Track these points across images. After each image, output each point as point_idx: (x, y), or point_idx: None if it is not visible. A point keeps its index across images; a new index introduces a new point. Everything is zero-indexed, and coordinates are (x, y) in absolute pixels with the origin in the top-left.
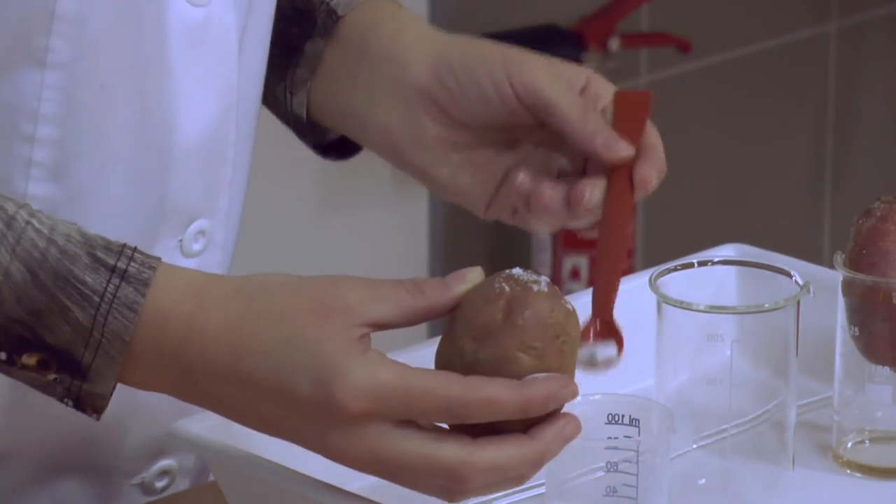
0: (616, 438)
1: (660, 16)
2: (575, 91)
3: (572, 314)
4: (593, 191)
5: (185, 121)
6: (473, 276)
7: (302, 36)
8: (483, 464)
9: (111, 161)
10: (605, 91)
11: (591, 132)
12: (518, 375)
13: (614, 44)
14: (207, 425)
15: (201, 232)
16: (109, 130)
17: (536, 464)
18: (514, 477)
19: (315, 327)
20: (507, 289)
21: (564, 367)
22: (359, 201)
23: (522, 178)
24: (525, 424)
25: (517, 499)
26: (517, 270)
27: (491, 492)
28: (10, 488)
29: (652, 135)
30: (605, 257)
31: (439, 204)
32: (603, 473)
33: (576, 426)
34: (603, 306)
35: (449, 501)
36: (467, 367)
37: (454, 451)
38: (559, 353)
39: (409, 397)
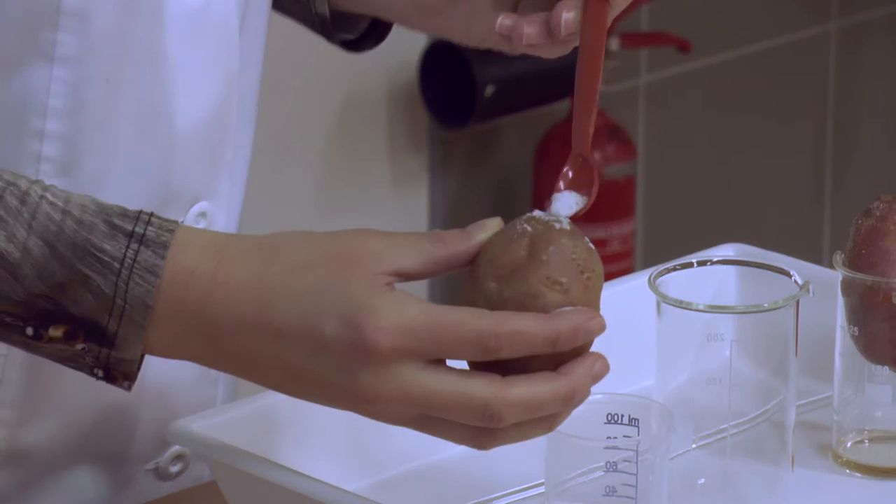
0: (615, 438)
1: (659, 16)
2: None
3: (594, 252)
4: (569, 12)
5: (186, 107)
6: (494, 224)
7: None
8: (515, 398)
9: (116, 152)
10: None
11: None
12: (545, 311)
13: (614, 44)
14: (206, 423)
15: (202, 214)
16: (114, 123)
17: (567, 401)
18: (546, 417)
19: (341, 272)
20: (528, 229)
21: (591, 303)
22: (358, 200)
23: (501, 20)
24: (553, 364)
25: (517, 498)
26: (537, 212)
27: (523, 436)
28: (26, 481)
29: None
30: (583, 80)
31: (438, 203)
32: (602, 473)
33: (604, 364)
34: (583, 139)
35: (480, 448)
36: (493, 307)
37: (486, 387)
38: (584, 288)
39: (439, 331)
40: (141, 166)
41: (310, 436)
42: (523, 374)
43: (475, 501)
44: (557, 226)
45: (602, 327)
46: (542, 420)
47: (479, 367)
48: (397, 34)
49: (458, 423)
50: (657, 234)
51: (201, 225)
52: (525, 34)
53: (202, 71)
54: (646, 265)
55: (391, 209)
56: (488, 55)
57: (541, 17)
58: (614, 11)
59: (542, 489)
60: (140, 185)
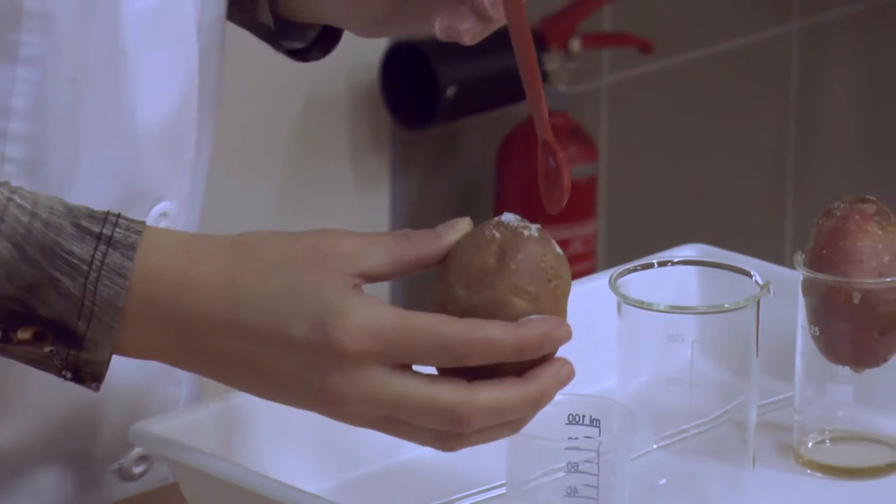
0: (577, 439)
1: (621, 16)
2: None
3: (563, 258)
4: None
5: (148, 106)
6: (463, 225)
7: None
8: (482, 403)
9: (80, 152)
10: None
11: None
12: (513, 319)
13: (576, 44)
14: (168, 425)
15: (164, 214)
16: (78, 123)
17: (535, 405)
18: (512, 421)
19: (311, 273)
20: (497, 235)
21: (558, 311)
22: (319, 202)
23: (439, 25)
24: (520, 369)
25: (479, 499)
26: (507, 216)
27: (489, 438)
28: None
29: None
30: (527, 74)
31: (400, 204)
32: (564, 474)
33: (570, 369)
34: (544, 125)
35: (446, 450)
36: (462, 313)
37: (453, 392)
38: (553, 296)
39: (408, 337)
40: (105, 166)
41: (273, 437)
42: (490, 380)
43: (437, 502)
44: (526, 233)
45: (569, 335)
46: (507, 423)
47: (445, 371)
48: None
49: (424, 426)
50: (619, 235)
51: (162, 225)
52: (463, 30)
53: (163, 69)
54: (607, 266)
55: (353, 211)
56: (450, 56)
57: (465, 9)
58: None
59: (503, 490)
60: (104, 185)
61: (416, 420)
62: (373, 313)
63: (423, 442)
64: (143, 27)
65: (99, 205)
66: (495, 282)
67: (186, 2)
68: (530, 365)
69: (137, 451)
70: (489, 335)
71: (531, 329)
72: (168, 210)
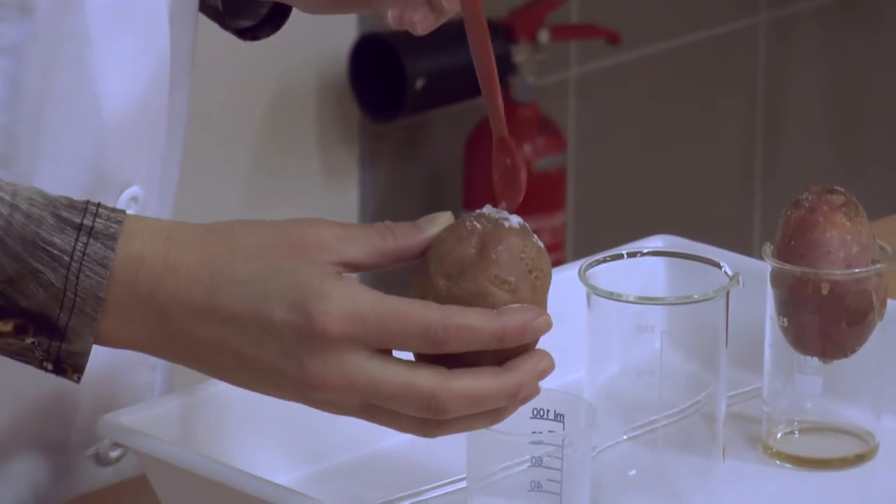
0: (541, 433)
1: (589, 8)
2: None
3: (543, 251)
4: None
5: (117, 93)
6: (444, 219)
7: None
8: (460, 390)
9: (49, 141)
10: None
11: None
12: (493, 308)
13: (544, 36)
14: (136, 417)
15: (134, 199)
16: (47, 112)
17: (512, 396)
18: (491, 410)
19: (291, 259)
20: (478, 226)
21: (538, 302)
22: (288, 194)
23: (391, 15)
24: (500, 361)
25: (441, 493)
26: (488, 209)
27: (469, 427)
28: None
29: None
30: (482, 68)
31: (369, 196)
32: (527, 467)
33: (550, 361)
34: (500, 121)
35: (425, 436)
36: (442, 303)
37: (431, 378)
38: (532, 287)
39: (388, 320)
40: (73, 153)
41: (243, 428)
42: (469, 368)
43: (400, 495)
44: (507, 224)
45: (549, 325)
46: (487, 413)
47: (426, 360)
48: (328, 27)
49: (403, 413)
50: (587, 226)
51: (132, 210)
52: (416, 20)
53: (132, 56)
54: (576, 257)
55: (321, 202)
56: (419, 48)
57: (423, 5)
58: None
59: (463, 483)
60: (73, 175)
61: (394, 405)
62: (352, 296)
63: (403, 428)
64: (113, 14)
65: (66, 192)
66: (475, 272)
67: None
68: (511, 356)
69: None
70: (469, 321)
71: (511, 317)
72: (137, 195)
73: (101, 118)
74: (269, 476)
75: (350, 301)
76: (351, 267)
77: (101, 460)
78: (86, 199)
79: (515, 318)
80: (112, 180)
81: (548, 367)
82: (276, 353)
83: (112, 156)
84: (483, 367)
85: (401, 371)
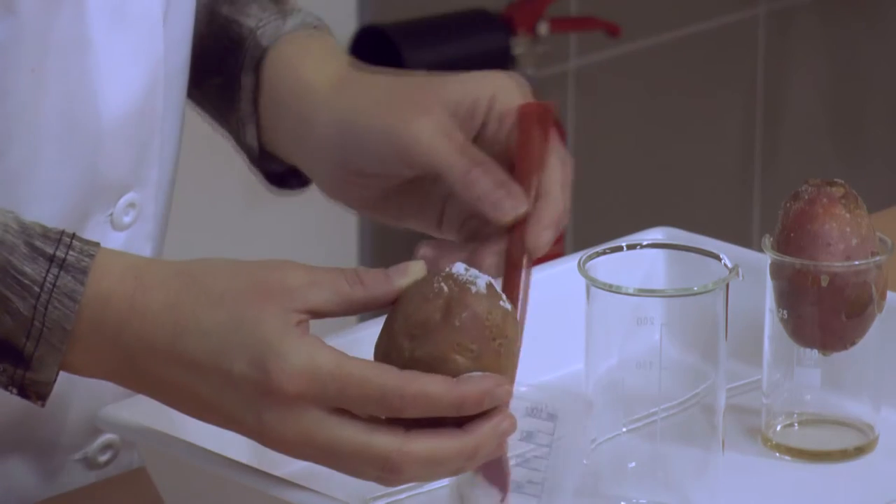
0: (531, 432)
1: (589, 0)
2: (458, 146)
3: (510, 314)
4: (491, 258)
5: (112, 96)
6: (416, 269)
7: (237, 67)
8: (416, 454)
9: (42, 143)
10: (511, 105)
11: (476, 196)
12: (454, 375)
13: (543, 28)
14: (136, 410)
15: (131, 205)
16: (40, 113)
17: (471, 457)
18: (449, 469)
19: (254, 308)
20: (445, 289)
21: (501, 369)
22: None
23: (423, 252)
24: (460, 420)
25: (437, 486)
26: (458, 268)
27: (429, 480)
28: None
29: (554, 171)
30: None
31: None
32: (514, 465)
33: (511, 423)
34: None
35: (385, 486)
36: (405, 364)
37: (387, 441)
38: (496, 354)
39: (345, 384)
40: (68, 156)
41: None
42: (427, 429)
43: (397, 488)
44: (473, 289)
45: (509, 395)
46: (446, 469)
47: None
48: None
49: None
50: (587, 218)
51: (130, 215)
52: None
53: (127, 59)
54: (576, 249)
55: (322, 202)
56: (418, 40)
57: (461, 256)
58: (533, 255)
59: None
60: (68, 178)
61: (350, 464)
62: (311, 356)
63: (362, 478)
64: (108, 16)
65: (63, 195)
66: (438, 337)
67: None
68: (471, 416)
69: (103, 439)
70: (427, 389)
71: (471, 386)
72: (135, 200)
73: (100, 121)
74: (268, 468)
75: (309, 361)
76: (316, 315)
77: (89, 464)
78: (79, 208)
79: (475, 388)
80: (109, 185)
81: (508, 429)
82: (235, 404)
83: (109, 160)
84: (441, 430)
85: (357, 431)
